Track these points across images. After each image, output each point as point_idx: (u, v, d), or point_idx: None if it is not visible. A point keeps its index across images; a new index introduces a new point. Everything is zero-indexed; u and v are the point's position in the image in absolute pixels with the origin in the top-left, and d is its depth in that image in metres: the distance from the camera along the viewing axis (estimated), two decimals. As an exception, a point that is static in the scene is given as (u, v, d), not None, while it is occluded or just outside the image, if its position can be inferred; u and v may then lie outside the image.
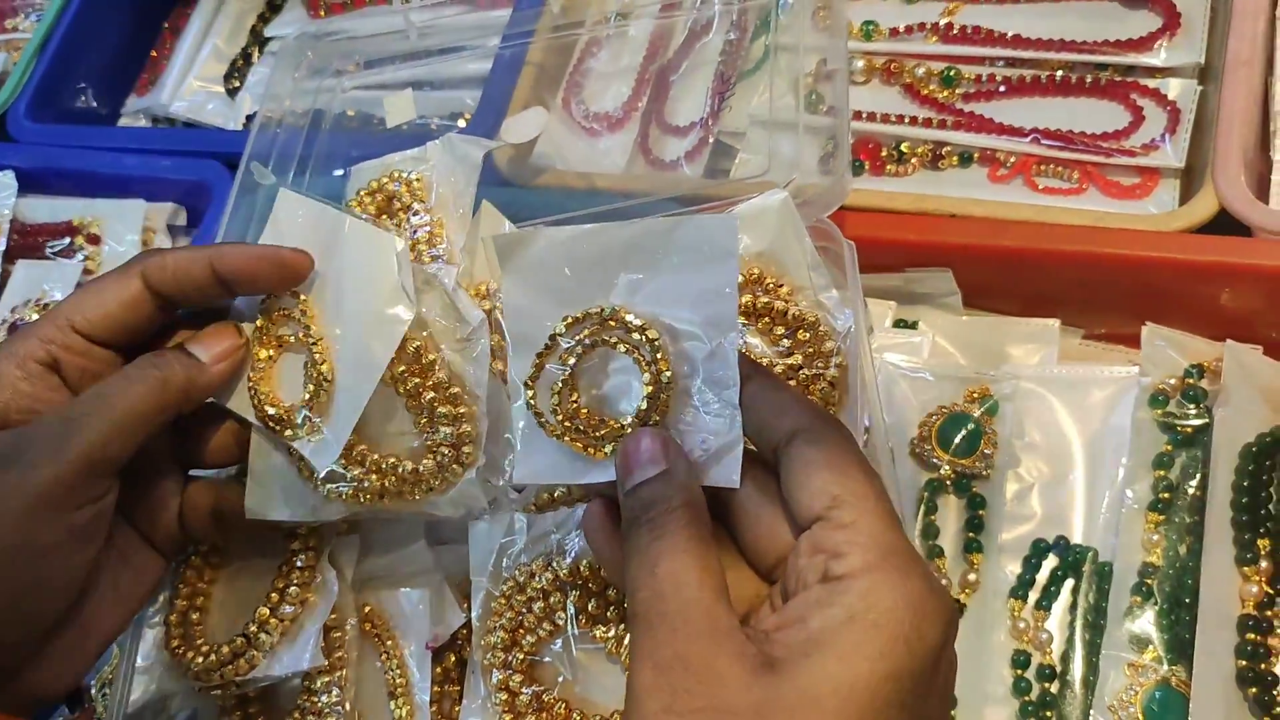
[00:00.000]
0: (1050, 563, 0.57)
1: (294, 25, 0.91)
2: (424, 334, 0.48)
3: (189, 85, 0.95)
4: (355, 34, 0.84)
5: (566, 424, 0.41)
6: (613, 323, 0.40)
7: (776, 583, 0.37)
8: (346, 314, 0.48)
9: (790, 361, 0.49)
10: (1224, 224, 0.60)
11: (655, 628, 0.34)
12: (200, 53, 0.97)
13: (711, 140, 0.73)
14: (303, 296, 0.48)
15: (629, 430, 0.39)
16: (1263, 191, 0.62)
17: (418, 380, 0.48)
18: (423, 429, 0.49)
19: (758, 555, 0.38)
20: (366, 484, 0.48)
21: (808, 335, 0.51)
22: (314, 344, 0.47)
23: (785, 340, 0.50)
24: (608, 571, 0.43)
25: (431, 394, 0.48)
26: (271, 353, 0.49)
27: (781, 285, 0.51)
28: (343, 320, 0.48)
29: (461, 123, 0.81)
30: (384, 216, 0.60)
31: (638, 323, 0.40)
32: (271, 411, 0.48)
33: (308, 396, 0.47)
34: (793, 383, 0.48)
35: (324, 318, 0.48)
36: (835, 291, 0.53)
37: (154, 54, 0.98)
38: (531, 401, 0.42)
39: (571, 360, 0.41)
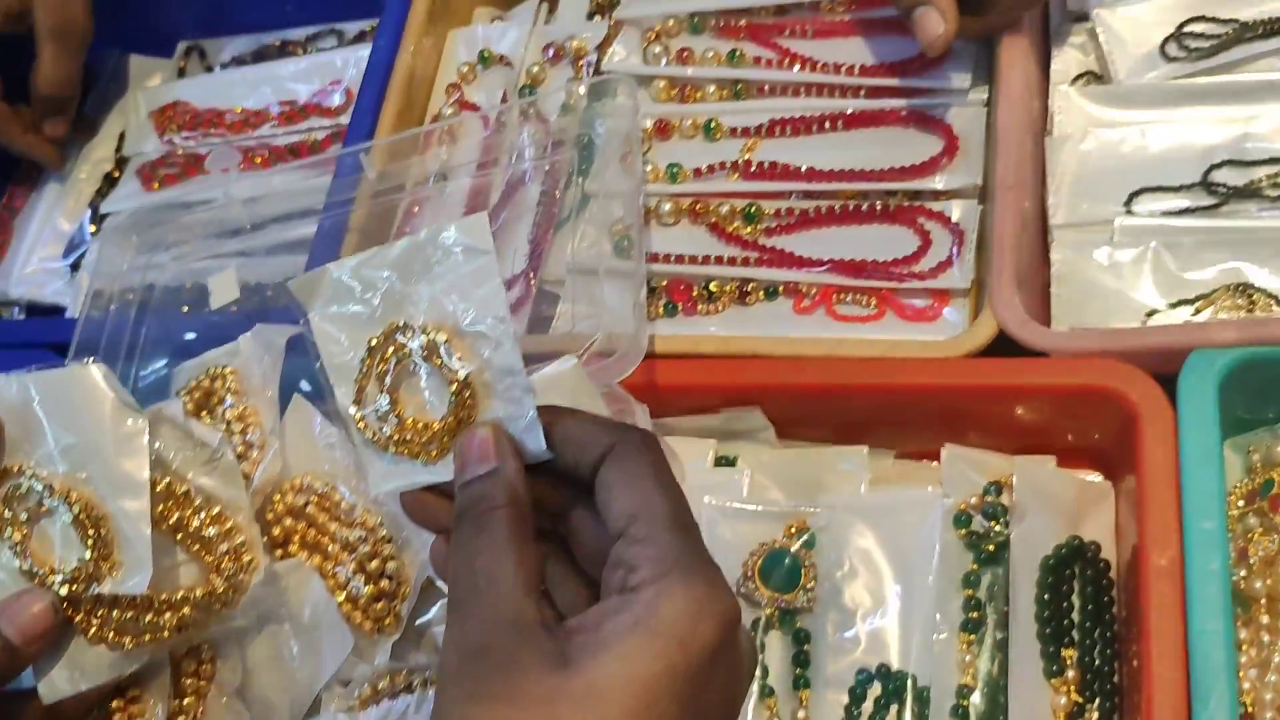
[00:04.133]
0: (874, 691, 0.59)
1: (129, 200, 0.92)
2: (170, 470, 0.53)
3: (31, 266, 0.95)
4: (187, 200, 0.85)
5: (396, 438, 0.44)
6: (408, 334, 0.43)
7: None
8: (80, 456, 0.50)
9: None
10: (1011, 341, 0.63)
11: (465, 619, 0.37)
12: (43, 232, 0.97)
13: (534, 291, 0.74)
14: (24, 467, 0.50)
15: (449, 433, 0.42)
16: (1048, 306, 0.66)
17: (179, 513, 0.52)
18: (197, 555, 0.52)
19: (592, 569, 0.41)
20: (161, 622, 0.50)
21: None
22: (65, 496, 0.49)
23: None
24: None
25: (196, 520, 0.52)
26: (23, 535, 0.50)
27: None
28: (81, 464, 0.50)
29: (294, 288, 0.82)
30: (204, 412, 0.62)
31: (425, 325, 0.43)
32: (64, 579, 0.49)
33: (91, 544, 0.49)
34: None
35: (60, 475, 0.50)
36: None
37: (-10, 235, 0.98)
38: (361, 426, 0.44)
39: (387, 378, 0.44)
